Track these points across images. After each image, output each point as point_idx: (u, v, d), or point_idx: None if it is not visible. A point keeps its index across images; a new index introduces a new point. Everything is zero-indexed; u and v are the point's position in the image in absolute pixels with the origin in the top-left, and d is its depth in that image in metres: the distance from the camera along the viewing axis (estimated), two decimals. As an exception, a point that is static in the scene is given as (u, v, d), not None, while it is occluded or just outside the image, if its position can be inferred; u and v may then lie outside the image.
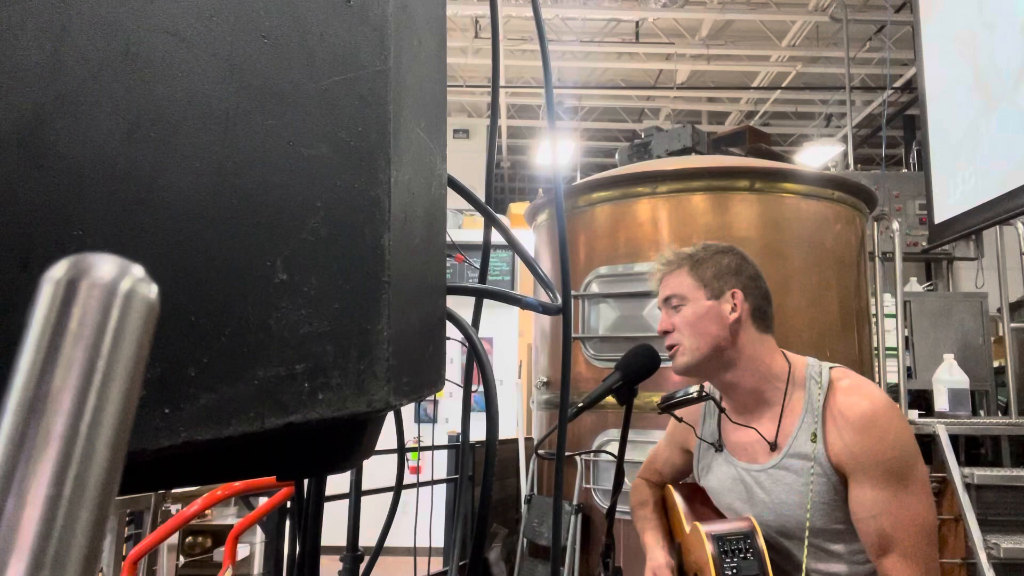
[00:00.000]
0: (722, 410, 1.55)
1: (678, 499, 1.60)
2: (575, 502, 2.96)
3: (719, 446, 1.54)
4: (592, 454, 2.96)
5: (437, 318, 0.65)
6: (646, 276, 2.90)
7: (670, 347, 1.49)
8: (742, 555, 1.34)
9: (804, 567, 1.37)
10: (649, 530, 1.64)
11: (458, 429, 4.32)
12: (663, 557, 1.54)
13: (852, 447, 1.33)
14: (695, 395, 1.50)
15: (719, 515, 1.54)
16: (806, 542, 1.37)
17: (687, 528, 1.52)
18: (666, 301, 1.51)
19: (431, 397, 1.50)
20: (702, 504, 1.57)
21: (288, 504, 2.29)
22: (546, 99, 0.85)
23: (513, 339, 5.93)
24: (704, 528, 1.40)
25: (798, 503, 1.37)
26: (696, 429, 1.61)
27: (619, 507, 1.54)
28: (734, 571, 1.33)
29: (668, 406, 1.52)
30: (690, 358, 1.45)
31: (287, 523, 2.33)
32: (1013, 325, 3.97)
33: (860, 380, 1.43)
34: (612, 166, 3.70)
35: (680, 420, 1.64)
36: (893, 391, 3.83)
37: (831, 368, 1.44)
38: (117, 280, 0.21)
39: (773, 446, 1.42)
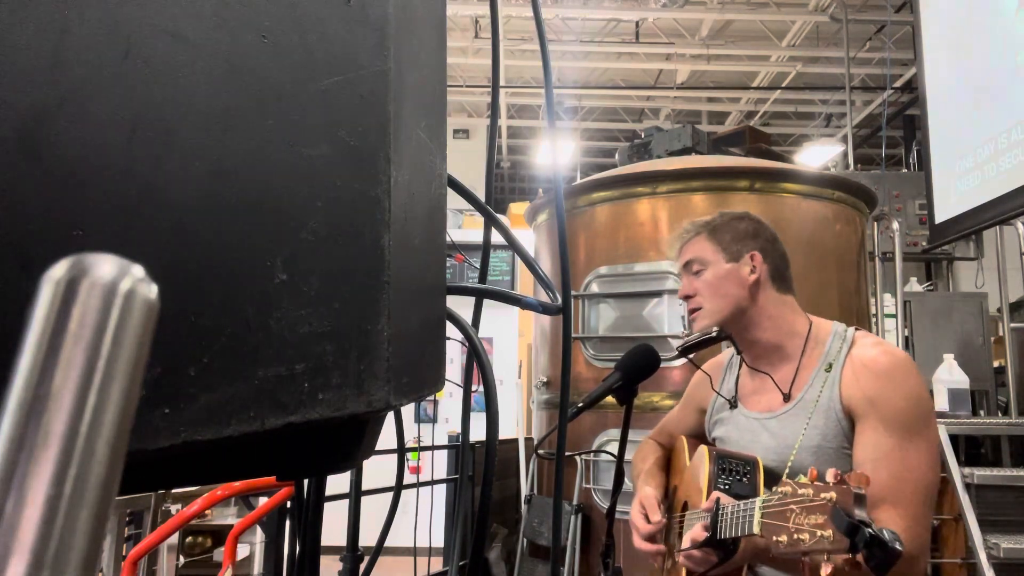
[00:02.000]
0: (739, 351, 1.57)
1: (686, 442, 1.61)
2: (575, 502, 2.96)
3: (734, 402, 1.56)
4: (592, 454, 2.96)
5: (437, 318, 0.65)
6: (649, 273, 2.92)
7: (691, 311, 1.51)
8: (738, 476, 1.36)
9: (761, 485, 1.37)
10: (643, 474, 1.65)
11: (458, 429, 4.31)
12: (650, 489, 1.54)
13: (866, 391, 1.34)
14: (714, 335, 1.50)
15: None
16: (787, 471, 1.37)
17: (688, 462, 1.54)
18: (686, 266, 1.53)
19: (431, 397, 1.50)
20: None
21: (288, 504, 2.29)
22: (546, 99, 0.85)
23: (513, 339, 5.92)
24: (709, 450, 1.43)
25: (803, 446, 1.38)
26: (715, 382, 1.63)
27: (619, 507, 1.54)
28: (727, 487, 1.34)
29: (687, 348, 1.53)
30: (711, 320, 1.48)
31: (287, 523, 2.33)
32: (1013, 325, 3.96)
33: (884, 341, 1.46)
34: (612, 166, 3.70)
35: (698, 367, 1.65)
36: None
37: (856, 329, 1.47)
38: (117, 280, 0.21)
39: (787, 397, 1.45)
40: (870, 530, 0.99)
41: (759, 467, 1.38)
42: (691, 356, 1.60)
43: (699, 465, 1.45)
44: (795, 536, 1.06)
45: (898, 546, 0.98)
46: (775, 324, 1.48)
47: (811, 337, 1.46)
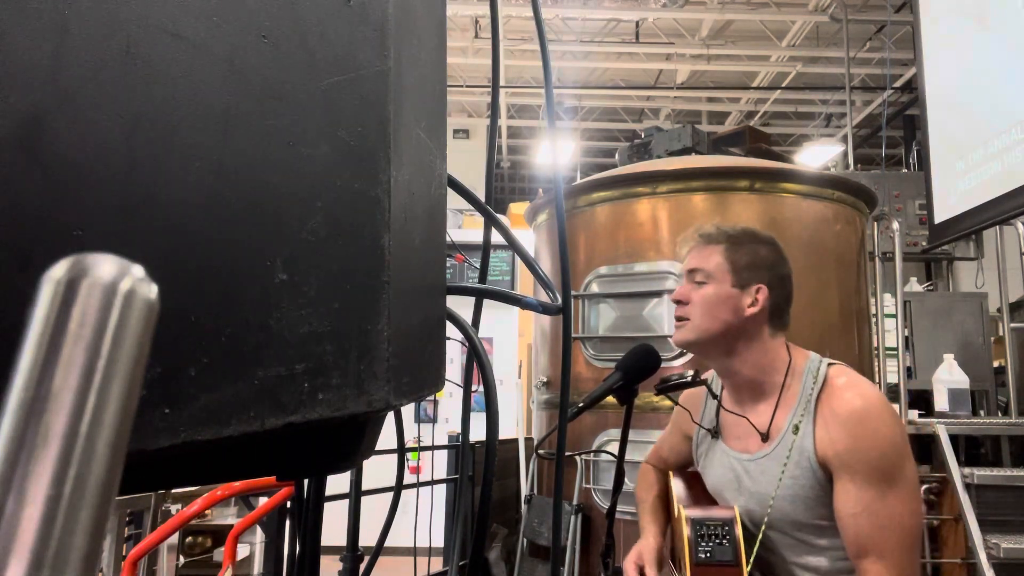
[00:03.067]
0: (715, 396, 1.56)
1: (676, 486, 1.61)
2: (575, 502, 2.96)
3: (715, 433, 1.55)
4: (592, 454, 2.96)
5: (437, 318, 0.65)
6: (649, 273, 2.92)
7: (679, 318, 1.47)
8: (718, 540, 1.36)
9: (754, 554, 1.37)
10: (647, 512, 1.65)
11: (458, 429, 4.31)
12: (652, 540, 1.54)
13: (838, 443, 1.33)
14: (690, 379, 1.50)
15: (714, 502, 1.55)
16: (760, 534, 1.38)
17: (676, 514, 1.54)
18: (690, 273, 1.48)
19: (431, 397, 1.50)
20: (701, 491, 1.59)
21: (288, 504, 2.29)
22: (546, 99, 0.85)
23: (513, 339, 5.92)
24: (686, 512, 1.42)
25: (782, 495, 1.37)
26: (695, 414, 1.61)
27: (619, 507, 1.54)
28: (708, 555, 1.35)
29: (663, 388, 1.52)
30: (694, 336, 1.44)
31: (287, 523, 2.33)
32: (1013, 325, 3.96)
33: (857, 378, 1.42)
34: (612, 166, 3.70)
35: (676, 403, 1.65)
36: (893, 391, 3.83)
37: (830, 365, 1.44)
38: (117, 280, 0.21)
39: (765, 437, 1.43)
40: None
41: (736, 523, 1.37)
42: (669, 395, 1.58)
43: (680, 527, 1.44)
44: None
45: None
46: (754, 362, 1.44)
47: (790, 373, 1.44)
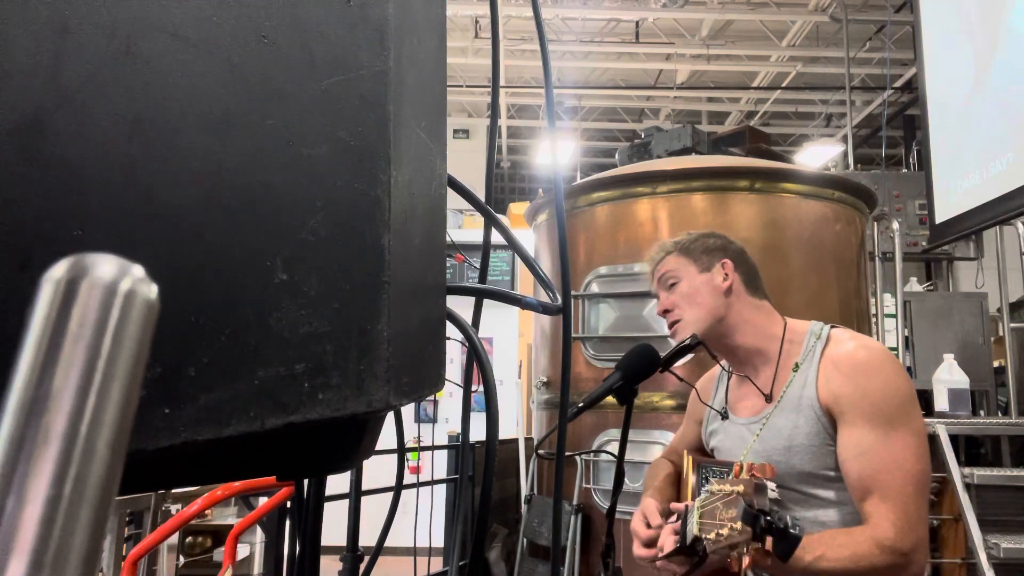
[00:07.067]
0: (714, 356, 1.60)
1: (688, 456, 1.63)
2: (575, 502, 2.96)
3: (725, 413, 1.58)
4: (592, 454, 2.96)
5: (437, 318, 0.65)
6: (645, 276, 2.92)
7: (671, 325, 1.53)
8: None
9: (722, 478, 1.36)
10: (650, 488, 1.65)
11: (458, 429, 4.31)
12: (650, 500, 1.55)
13: (839, 389, 1.35)
14: (688, 342, 1.52)
15: None
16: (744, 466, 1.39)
17: (685, 473, 1.56)
18: (660, 281, 1.56)
19: (431, 397, 1.50)
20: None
21: (288, 504, 2.29)
22: (546, 99, 0.85)
23: (513, 339, 5.93)
24: (693, 459, 1.45)
25: (788, 447, 1.39)
26: (707, 396, 1.66)
27: (619, 507, 1.54)
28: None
29: (667, 362, 1.53)
30: (691, 330, 1.49)
31: (287, 523, 2.33)
32: (1013, 325, 3.96)
33: (861, 336, 1.46)
34: (612, 166, 3.70)
35: (680, 379, 1.66)
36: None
37: (833, 327, 1.48)
38: (117, 280, 0.21)
39: (768, 397, 1.46)
40: (767, 518, 1.03)
41: (743, 471, 1.38)
42: (672, 369, 1.60)
43: (687, 477, 1.47)
44: (720, 532, 1.09)
45: (797, 531, 1.04)
46: (753, 329, 1.50)
47: (786, 338, 1.48)
